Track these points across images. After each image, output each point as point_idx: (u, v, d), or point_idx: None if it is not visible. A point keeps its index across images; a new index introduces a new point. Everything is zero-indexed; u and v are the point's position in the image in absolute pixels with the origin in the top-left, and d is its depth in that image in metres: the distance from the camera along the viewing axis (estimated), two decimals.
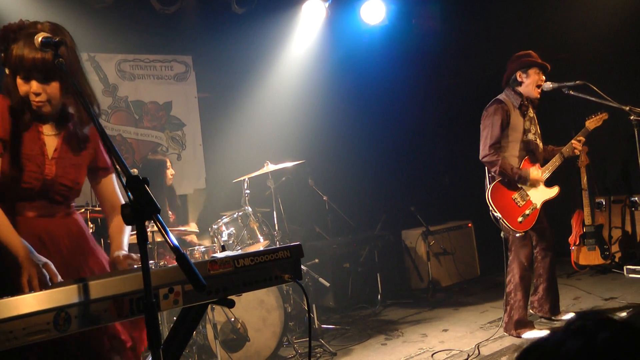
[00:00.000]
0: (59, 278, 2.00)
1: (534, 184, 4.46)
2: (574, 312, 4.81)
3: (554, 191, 4.56)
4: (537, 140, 4.55)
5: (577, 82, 4.41)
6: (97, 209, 4.40)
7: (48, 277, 1.97)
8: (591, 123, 4.66)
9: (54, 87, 2.14)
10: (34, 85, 2.11)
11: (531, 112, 4.53)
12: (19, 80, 2.13)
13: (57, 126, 2.28)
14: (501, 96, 4.56)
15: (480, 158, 4.47)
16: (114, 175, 2.47)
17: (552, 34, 6.55)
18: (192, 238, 5.29)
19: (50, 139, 2.26)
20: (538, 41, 4.68)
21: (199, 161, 6.71)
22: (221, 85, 6.78)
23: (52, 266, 2.02)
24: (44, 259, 2.02)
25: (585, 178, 5.86)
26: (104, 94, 6.09)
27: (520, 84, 4.49)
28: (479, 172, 5.05)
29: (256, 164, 5.03)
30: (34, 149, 2.20)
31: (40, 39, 2.01)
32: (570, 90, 4.46)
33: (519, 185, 4.46)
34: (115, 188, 2.48)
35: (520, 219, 4.39)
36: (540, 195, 4.50)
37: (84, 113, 2.22)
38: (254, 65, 6.77)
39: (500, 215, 4.35)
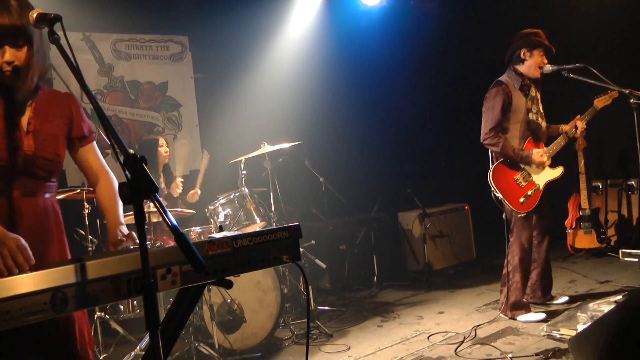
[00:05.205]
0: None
1: (537, 165, 4.45)
2: (568, 296, 4.84)
3: (558, 171, 4.53)
4: (539, 119, 4.53)
5: (577, 64, 4.37)
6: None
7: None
8: (600, 102, 4.60)
9: (23, 53, 2.06)
10: (7, 53, 2.02)
11: (533, 91, 4.51)
12: None
13: (27, 97, 2.19)
14: (503, 77, 4.53)
15: (481, 141, 4.45)
16: (94, 144, 2.38)
17: (552, 17, 6.50)
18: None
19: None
20: (538, 24, 4.62)
21: (195, 142, 6.68)
22: (218, 65, 6.73)
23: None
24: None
25: (583, 161, 5.86)
26: (99, 74, 6.04)
27: (522, 61, 4.47)
28: (475, 155, 5.03)
29: (253, 144, 5.01)
30: (6, 124, 2.11)
31: (35, 15, 1.97)
32: (569, 73, 4.43)
33: (522, 166, 4.44)
34: (97, 155, 2.38)
35: (522, 199, 4.38)
36: (543, 176, 4.48)
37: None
38: (250, 46, 6.71)
39: (501, 196, 4.35)
